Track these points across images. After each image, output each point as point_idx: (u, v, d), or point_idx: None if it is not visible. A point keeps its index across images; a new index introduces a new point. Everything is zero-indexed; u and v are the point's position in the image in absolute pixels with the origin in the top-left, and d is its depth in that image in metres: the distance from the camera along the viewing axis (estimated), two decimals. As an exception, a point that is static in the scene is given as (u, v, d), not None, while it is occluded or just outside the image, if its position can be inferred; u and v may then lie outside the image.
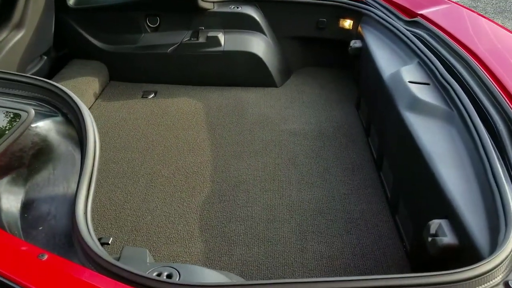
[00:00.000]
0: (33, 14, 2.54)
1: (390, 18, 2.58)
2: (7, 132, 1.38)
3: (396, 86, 2.04)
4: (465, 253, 1.33)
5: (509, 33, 2.26)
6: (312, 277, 1.77)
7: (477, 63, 1.92)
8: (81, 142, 1.49)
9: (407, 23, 2.49)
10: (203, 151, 2.46)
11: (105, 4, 3.05)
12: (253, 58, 3.02)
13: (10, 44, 2.42)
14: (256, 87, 3.09)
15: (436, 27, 2.28)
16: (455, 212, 1.38)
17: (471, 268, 1.07)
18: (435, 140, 1.68)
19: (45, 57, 2.87)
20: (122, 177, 2.27)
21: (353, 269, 1.80)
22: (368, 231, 1.97)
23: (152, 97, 3.00)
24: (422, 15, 2.44)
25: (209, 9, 3.02)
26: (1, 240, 1.13)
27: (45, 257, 1.05)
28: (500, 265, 1.10)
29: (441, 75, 1.96)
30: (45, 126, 1.52)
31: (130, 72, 3.15)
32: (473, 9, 2.56)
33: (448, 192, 1.45)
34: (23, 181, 1.40)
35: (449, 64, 2.02)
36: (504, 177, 1.39)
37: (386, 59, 2.32)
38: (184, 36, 3.06)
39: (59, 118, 1.59)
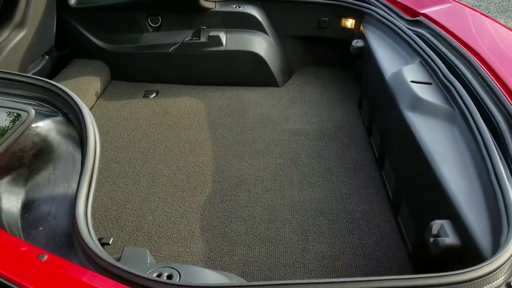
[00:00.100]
0: (35, 13, 2.54)
1: (392, 17, 2.57)
2: (7, 132, 1.38)
3: (398, 85, 2.03)
4: (467, 253, 1.32)
5: (512, 32, 2.25)
6: (313, 277, 1.76)
7: (479, 63, 1.91)
8: (81, 142, 1.49)
9: (409, 22, 2.48)
10: (204, 151, 2.46)
11: (106, 4, 3.05)
12: (255, 57, 3.01)
13: (12, 44, 2.43)
14: (257, 86, 3.09)
15: (438, 26, 2.27)
16: (457, 212, 1.37)
17: (473, 269, 1.06)
18: (437, 140, 1.67)
19: (47, 57, 2.88)
20: (124, 176, 2.27)
21: (354, 270, 1.79)
22: (369, 232, 1.97)
23: (154, 96, 3.00)
24: (424, 15, 2.43)
25: (211, 8, 3.02)
26: (1, 240, 1.12)
27: (45, 257, 1.05)
28: (503, 266, 1.09)
29: (443, 74, 1.95)
30: (46, 126, 1.52)
31: (131, 72, 3.15)
32: (475, 8, 2.55)
33: (450, 192, 1.44)
34: (23, 181, 1.39)
35: (452, 63, 2.01)
36: (506, 177, 1.38)
37: (388, 59, 2.31)
38: (186, 36, 3.05)
39: (60, 118, 1.59)
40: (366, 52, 2.61)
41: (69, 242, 1.21)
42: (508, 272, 1.10)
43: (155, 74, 3.13)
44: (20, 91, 1.63)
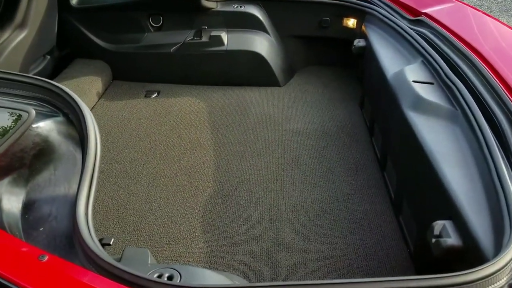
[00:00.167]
0: (36, 13, 2.54)
1: (394, 17, 2.57)
2: (8, 132, 1.38)
3: (400, 85, 2.03)
4: (469, 254, 1.32)
5: (514, 31, 2.24)
6: (315, 278, 1.76)
7: (482, 63, 1.90)
8: (82, 142, 1.49)
9: (411, 22, 2.47)
10: (205, 151, 2.46)
11: (108, 4, 3.05)
12: (256, 57, 3.01)
13: (13, 44, 2.43)
14: (259, 86, 3.08)
15: (440, 26, 2.26)
16: (459, 213, 1.37)
17: (476, 270, 1.06)
18: (439, 140, 1.67)
19: (48, 57, 2.88)
20: (125, 177, 2.27)
21: (356, 270, 1.79)
22: (371, 232, 1.96)
23: (155, 96, 2.99)
24: (426, 14, 2.42)
25: (212, 8, 3.02)
26: (2, 241, 1.12)
27: (46, 258, 1.05)
28: (505, 267, 1.09)
29: (445, 74, 1.95)
30: (46, 127, 1.52)
31: (133, 72, 3.15)
32: (478, 8, 2.54)
33: (452, 193, 1.43)
34: (24, 182, 1.39)
35: (454, 63, 2.00)
36: (508, 177, 1.37)
37: (390, 58, 2.30)
38: (187, 36, 3.05)
39: (60, 118, 1.58)
40: (368, 52, 2.61)
41: (69, 242, 1.21)
42: (511, 273, 1.09)
43: (156, 74, 3.13)
44: (21, 91, 1.63)
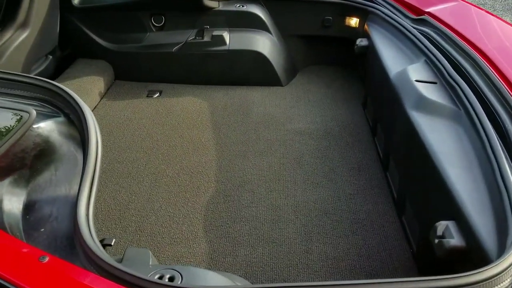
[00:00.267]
0: (38, 13, 2.54)
1: (397, 16, 2.56)
2: (9, 133, 1.37)
3: (402, 84, 2.02)
4: (473, 255, 1.31)
5: (518, 30, 2.22)
6: (317, 278, 1.75)
7: (485, 62, 1.89)
8: (83, 142, 1.49)
9: (414, 21, 2.46)
10: (207, 151, 2.45)
11: (110, 4, 3.04)
12: (259, 56, 3.00)
13: (15, 44, 2.43)
14: (261, 86, 3.08)
15: (443, 25, 2.25)
16: (462, 213, 1.36)
17: (479, 272, 1.05)
18: (442, 140, 1.66)
19: (50, 57, 2.88)
20: (127, 177, 2.27)
21: (358, 271, 1.78)
22: (374, 232, 1.95)
23: (157, 96, 2.99)
24: (429, 13, 2.41)
25: (214, 7, 3.01)
26: (2, 241, 1.12)
27: (46, 259, 1.04)
28: (509, 268, 1.08)
29: (448, 74, 1.94)
30: (47, 127, 1.51)
31: (135, 72, 3.15)
32: (481, 7, 2.53)
33: (455, 193, 1.42)
34: (25, 183, 1.39)
35: (457, 62, 1.99)
36: (512, 177, 1.36)
37: (392, 58, 2.29)
38: (189, 35, 3.05)
39: (61, 119, 1.58)
40: (371, 51, 2.60)
41: (70, 243, 1.20)
42: (515, 274, 1.08)
43: (158, 73, 3.12)
44: (21, 92, 1.62)
